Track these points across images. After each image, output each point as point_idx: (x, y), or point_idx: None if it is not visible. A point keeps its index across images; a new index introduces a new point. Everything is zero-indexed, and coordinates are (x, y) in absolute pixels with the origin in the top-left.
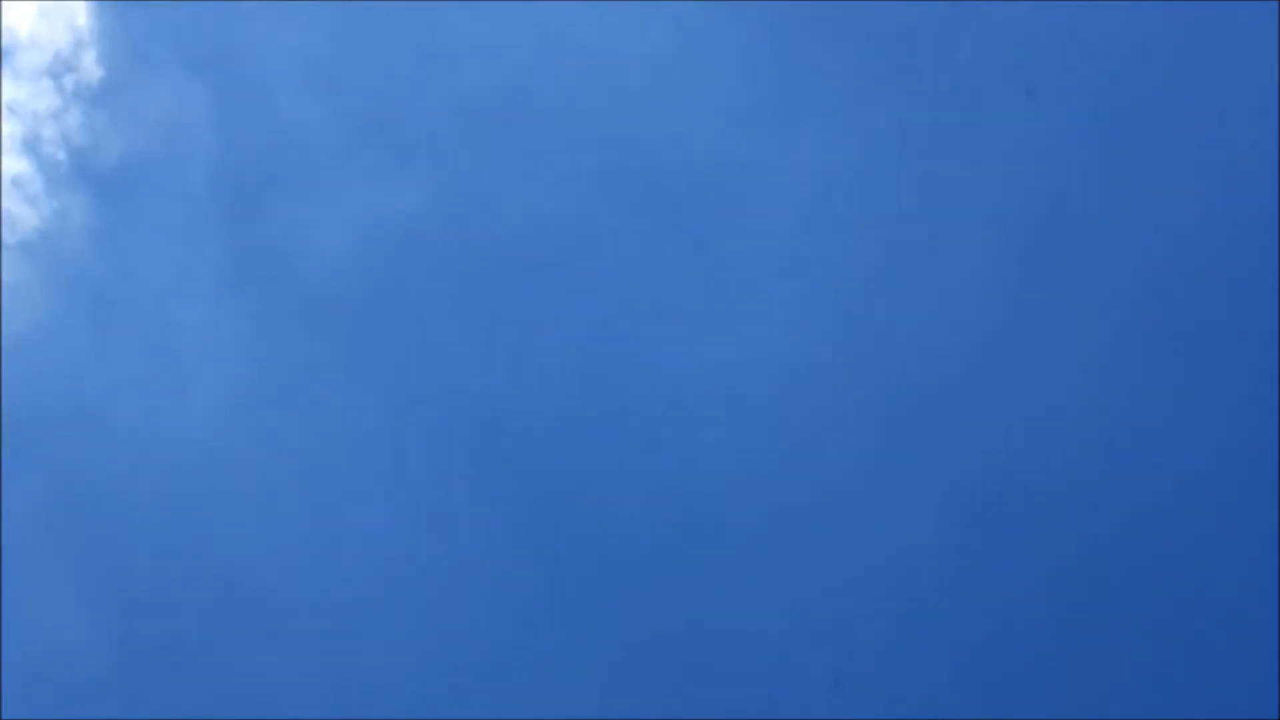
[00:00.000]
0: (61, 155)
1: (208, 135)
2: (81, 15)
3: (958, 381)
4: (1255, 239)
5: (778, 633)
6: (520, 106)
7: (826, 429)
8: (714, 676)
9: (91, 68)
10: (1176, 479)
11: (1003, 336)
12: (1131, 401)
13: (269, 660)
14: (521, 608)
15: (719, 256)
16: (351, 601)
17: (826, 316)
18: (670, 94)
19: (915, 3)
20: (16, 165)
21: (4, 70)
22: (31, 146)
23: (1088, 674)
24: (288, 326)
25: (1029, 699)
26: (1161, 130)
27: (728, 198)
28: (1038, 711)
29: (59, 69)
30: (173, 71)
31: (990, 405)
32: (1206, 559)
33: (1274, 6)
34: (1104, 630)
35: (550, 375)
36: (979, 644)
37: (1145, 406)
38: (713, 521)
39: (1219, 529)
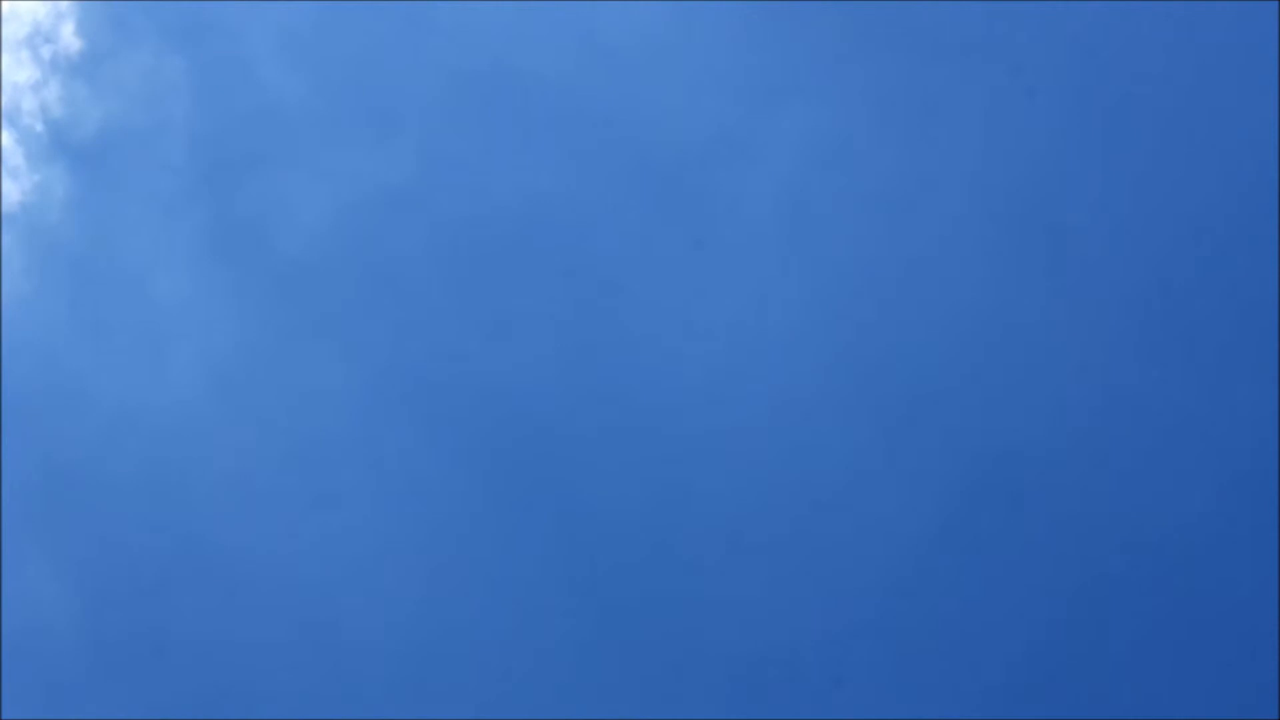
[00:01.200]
0: (40, 127)
1: (187, 106)
2: None
3: (951, 357)
4: (1253, 218)
5: (772, 617)
6: (504, 78)
7: (818, 405)
8: (706, 661)
9: (70, 39)
10: (1176, 457)
11: (996, 312)
12: (1127, 379)
13: (249, 635)
14: (506, 582)
15: (707, 230)
16: (332, 575)
17: (817, 292)
18: (658, 67)
19: None
20: None
21: None
22: (10, 118)
23: (1085, 668)
24: (268, 298)
25: (1025, 693)
26: (1155, 111)
27: (716, 171)
28: (1034, 708)
29: (38, 40)
30: (152, 42)
31: (984, 382)
32: (1206, 548)
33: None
34: (1103, 624)
35: (534, 349)
36: (977, 636)
37: (1141, 383)
38: (701, 495)
39: (1219, 516)
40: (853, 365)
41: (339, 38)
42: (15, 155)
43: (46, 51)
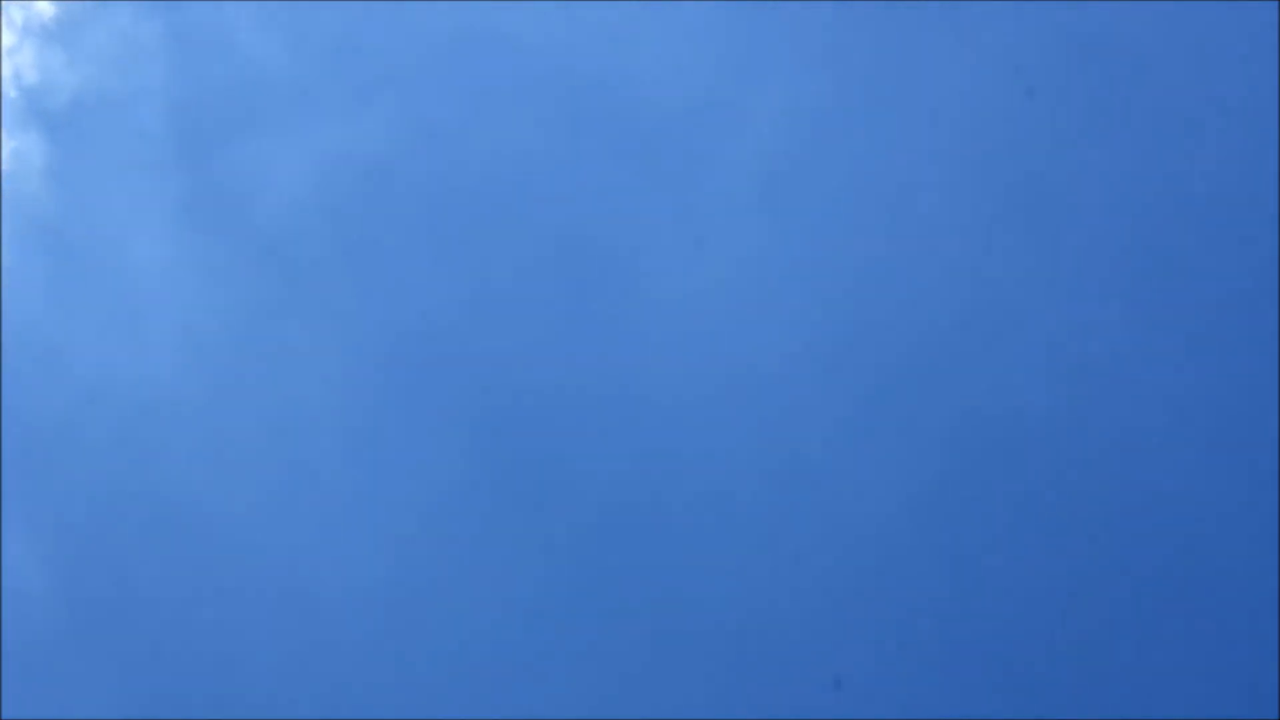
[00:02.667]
0: (14, 94)
1: (164, 73)
2: None
3: (934, 327)
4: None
5: (763, 597)
6: (485, 45)
7: (802, 375)
8: (686, 637)
9: (44, 4)
10: (1168, 429)
11: (980, 282)
12: (1115, 351)
13: (224, 607)
14: (488, 552)
15: (690, 194)
16: (310, 547)
17: (801, 260)
18: (641, 34)
19: None
20: None
21: None
22: None
23: (1079, 658)
24: (246, 267)
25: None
26: (1149, 81)
27: (699, 139)
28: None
29: (10, 5)
30: (128, 7)
31: (969, 353)
32: (1201, 524)
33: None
34: (1102, 614)
35: (516, 317)
36: (965, 622)
37: (1130, 356)
38: (683, 462)
39: (1213, 488)
40: (836, 334)
41: (318, 2)
42: None
43: (19, 16)
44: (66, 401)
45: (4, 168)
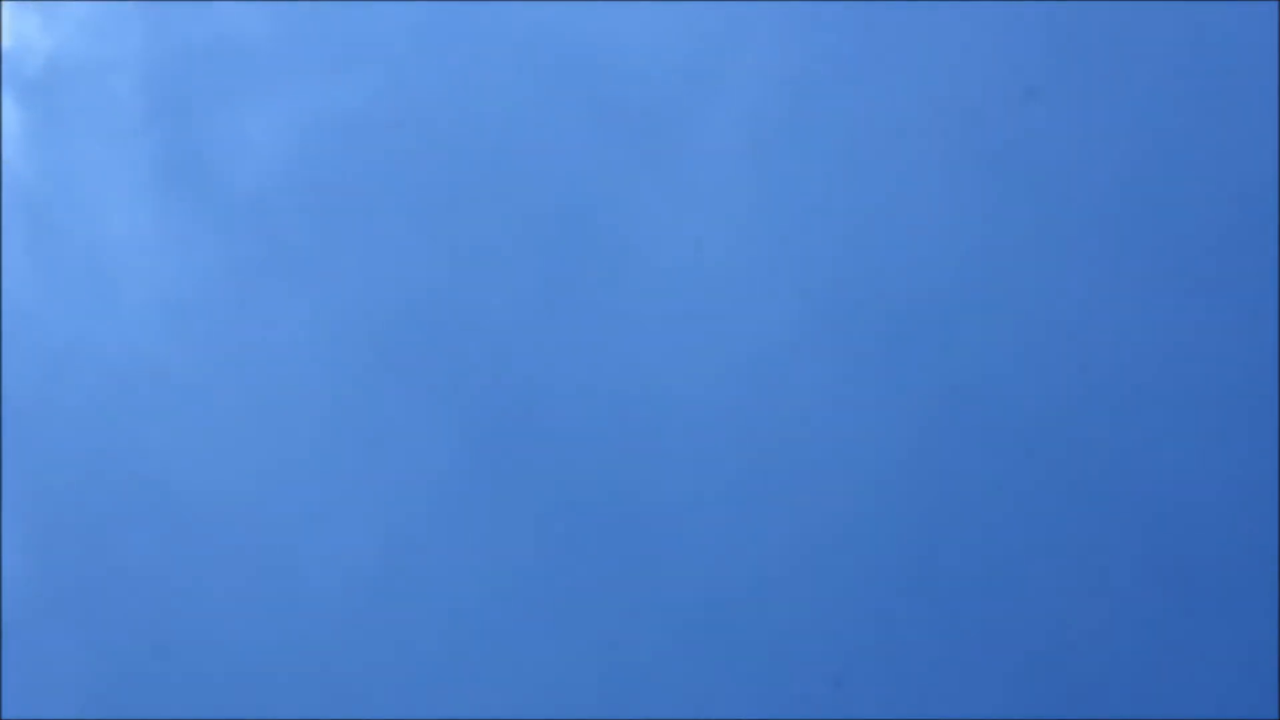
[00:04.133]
0: None
1: (141, 37)
2: None
3: (919, 292)
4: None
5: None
6: (467, 7)
7: (784, 341)
8: (660, 577)
9: None
10: (1168, 402)
11: (970, 245)
12: (1109, 316)
13: (200, 577)
14: (465, 516)
15: (673, 164)
16: (288, 513)
17: (787, 225)
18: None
19: None
20: None
21: None
22: None
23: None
24: (226, 233)
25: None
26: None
27: (687, 100)
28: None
29: None
30: None
31: (957, 316)
32: (1197, 498)
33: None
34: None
35: (500, 283)
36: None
37: (1126, 327)
38: (666, 434)
39: (1210, 459)
40: (823, 300)
41: None
42: None
43: None
44: (42, 371)
45: None
